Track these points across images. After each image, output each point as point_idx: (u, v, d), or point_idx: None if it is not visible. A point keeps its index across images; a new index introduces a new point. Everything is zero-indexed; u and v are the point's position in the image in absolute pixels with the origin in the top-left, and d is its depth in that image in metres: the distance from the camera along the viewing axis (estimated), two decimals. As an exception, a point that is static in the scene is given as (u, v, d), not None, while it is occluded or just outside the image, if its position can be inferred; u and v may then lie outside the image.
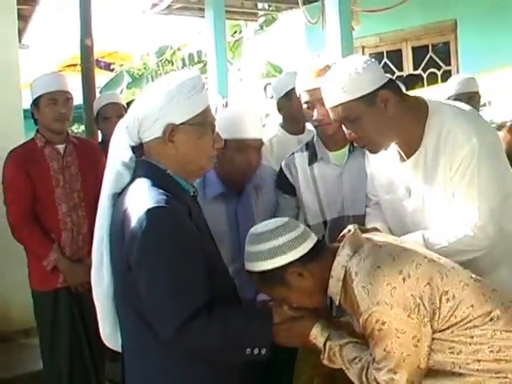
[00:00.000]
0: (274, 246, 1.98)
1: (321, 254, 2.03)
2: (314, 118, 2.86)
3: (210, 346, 1.93)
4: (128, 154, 2.07)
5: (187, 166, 2.07)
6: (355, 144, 2.79)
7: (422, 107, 2.32)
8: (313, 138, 3.08)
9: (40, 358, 3.85)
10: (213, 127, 2.10)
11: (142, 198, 1.95)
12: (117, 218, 2.01)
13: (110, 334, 2.17)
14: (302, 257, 1.97)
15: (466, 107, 2.39)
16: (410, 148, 2.33)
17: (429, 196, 2.32)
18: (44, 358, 3.80)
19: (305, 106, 2.92)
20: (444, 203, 2.28)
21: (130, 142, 2.07)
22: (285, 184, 3.05)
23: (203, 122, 2.05)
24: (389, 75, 2.44)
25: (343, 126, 2.34)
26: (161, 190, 1.97)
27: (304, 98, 2.90)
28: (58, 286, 3.69)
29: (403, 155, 2.37)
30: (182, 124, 2.02)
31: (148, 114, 2.03)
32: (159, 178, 2.02)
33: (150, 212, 1.89)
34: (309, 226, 2.96)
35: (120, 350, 2.18)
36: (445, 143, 2.22)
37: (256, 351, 1.96)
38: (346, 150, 2.97)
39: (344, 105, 2.26)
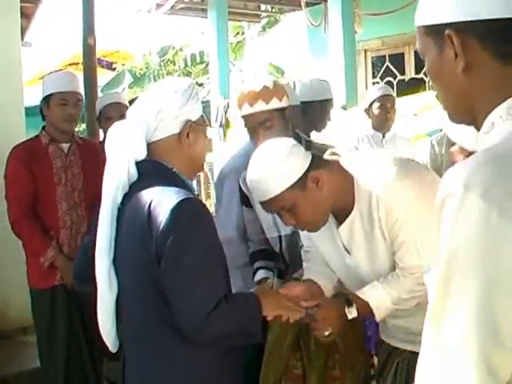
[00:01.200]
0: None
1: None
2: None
3: (228, 331, 2.00)
4: (144, 152, 2.09)
5: (195, 163, 2.18)
6: None
7: (346, 173, 2.29)
8: None
9: (38, 356, 3.85)
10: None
11: (166, 193, 1.98)
12: (134, 215, 2.00)
13: (109, 332, 2.17)
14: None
15: (391, 162, 2.33)
16: (343, 213, 2.31)
17: (370, 253, 2.32)
18: (41, 355, 3.80)
19: (247, 130, 2.95)
20: (386, 258, 2.30)
21: (145, 140, 2.09)
22: (243, 197, 3.10)
23: (205, 122, 2.20)
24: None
25: (281, 215, 2.30)
26: (176, 188, 2.01)
27: (245, 123, 2.93)
28: (55, 284, 3.70)
29: (336, 220, 2.35)
30: (194, 122, 2.13)
31: (169, 111, 2.08)
32: (167, 176, 2.07)
33: (181, 203, 1.93)
34: (267, 239, 3.04)
35: (115, 350, 2.19)
36: (377, 207, 2.22)
37: (249, 336, 2.06)
38: None
39: (278, 197, 2.20)
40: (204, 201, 12.05)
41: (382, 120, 4.88)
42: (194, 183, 12.25)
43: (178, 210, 1.91)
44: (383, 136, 4.93)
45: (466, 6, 1.13)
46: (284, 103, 2.90)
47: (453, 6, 1.15)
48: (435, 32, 1.19)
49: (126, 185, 2.05)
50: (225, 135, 9.91)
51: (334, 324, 2.28)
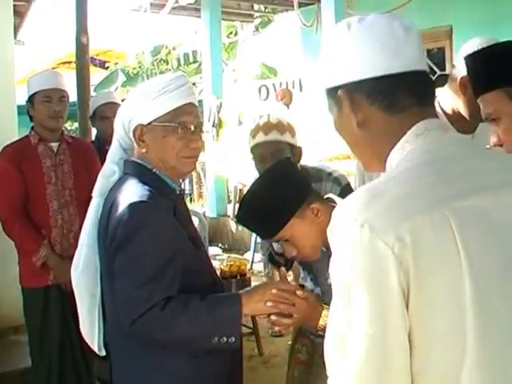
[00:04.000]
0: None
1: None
2: None
3: (168, 337, 1.94)
4: (118, 154, 2.16)
5: (161, 164, 2.10)
6: None
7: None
8: None
9: (29, 355, 3.84)
10: (186, 127, 2.09)
11: (127, 193, 2.00)
12: (104, 212, 2.07)
13: (87, 326, 2.20)
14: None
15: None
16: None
17: None
18: (33, 355, 3.79)
19: (257, 159, 2.99)
20: None
21: (122, 143, 2.16)
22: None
23: (171, 120, 2.06)
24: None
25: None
26: (146, 187, 2.01)
27: (256, 151, 2.98)
28: (49, 283, 3.69)
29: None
30: (149, 124, 2.07)
31: (124, 116, 2.11)
32: (145, 177, 2.07)
33: (131, 206, 1.94)
34: None
35: (95, 346, 2.20)
36: None
37: (223, 340, 1.95)
38: None
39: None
40: (196, 200, 12.04)
41: None
42: (187, 182, 12.24)
43: (126, 212, 1.94)
44: None
45: (351, 70, 1.33)
46: (294, 141, 3.00)
47: (341, 71, 1.35)
48: (333, 94, 1.38)
49: (107, 183, 2.14)
50: (217, 135, 9.91)
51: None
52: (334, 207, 2.05)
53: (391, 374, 1.14)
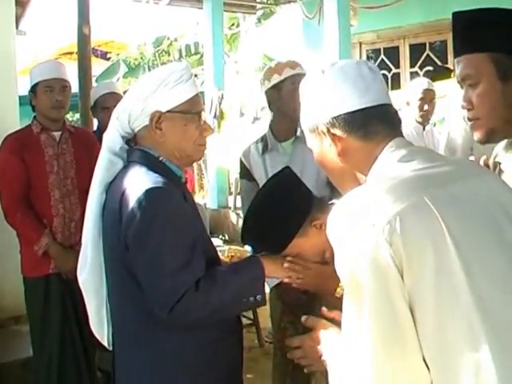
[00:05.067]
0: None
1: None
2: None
3: (206, 313, 1.98)
4: (118, 144, 2.13)
5: (176, 152, 2.11)
6: (297, 134, 3.32)
7: None
8: (265, 133, 3.49)
9: (30, 346, 3.85)
10: (201, 116, 2.14)
11: (139, 181, 1.99)
12: (111, 202, 2.04)
13: (96, 324, 2.20)
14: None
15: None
16: None
17: None
18: (34, 344, 3.81)
19: (287, 94, 3.26)
20: None
21: (121, 133, 2.13)
22: (244, 171, 3.47)
23: (189, 109, 2.10)
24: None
25: None
26: (157, 174, 2.01)
27: (287, 85, 3.27)
28: (50, 272, 3.70)
29: None
30: (168, 112, 2.07)
31: (135, 104, 2.09)
32: (152, 164, 2.07)
33: (148, 192, 1.93)
34: None
35: (105, 342, 2.21)
36: None
37: (252, 300, 2.04)
38: (291, 140, 3.41)
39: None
40: (197, 192, 12.04)
41: (424, 113, 5.07)
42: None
43: (143, 198, 1.92)
44: (423, 128, 5.13)
45: (329, 107, 1.56)
46: None
47: (320, 109, 1.58)
48: (314, 130, 1.61)
49: (108, 173, 2.11)
50: (219, 126, 9.90)
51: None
52: None
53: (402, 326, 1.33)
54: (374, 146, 1.54)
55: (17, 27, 7.05)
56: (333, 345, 1.68)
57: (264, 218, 2.12)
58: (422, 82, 5.23)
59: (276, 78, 3.30)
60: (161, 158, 2.10)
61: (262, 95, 3.51)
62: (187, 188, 2.26)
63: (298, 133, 3.33)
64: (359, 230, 1.35)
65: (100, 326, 2.20)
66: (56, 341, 3.71)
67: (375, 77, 1.60)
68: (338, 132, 1.56)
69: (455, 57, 1.88)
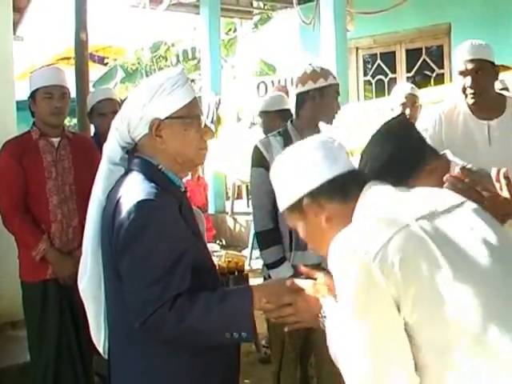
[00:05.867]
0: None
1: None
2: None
3: (178, 334, 1.93)
4: (118, 154, 2.12)
5: (178, 159, 2.10)
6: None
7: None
8: (286, 127, 3.65)
9: (27, 350, 3.85)
10: (200, 119, 2.13)
11: (133, 191, 1.98)
12: (108, 210, 2.05)
13: (95, 330, 2.20)
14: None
15: None
16: None
17: None
18: (31, 349, 3.80)
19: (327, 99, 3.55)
20: None
21: (121, 143, 2.12)
22: (261, 160, 3.53)
23: (188, 114, 2.09)
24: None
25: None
26: (152, 184, 2.00)
27: (324, 93, 3.56)
28: (47, 277, 3.70)
29: None
30: (167, 118, 2.06)
31: (132, 113, 2.08)
32: (151, 173, 2.06)
33: (138, 204, 1.93)
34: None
35: (101, 349, 2.20)
36: None
37: (236, 335, 1.95)
38: None
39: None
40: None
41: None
42: (184, 180, 12.22)
43: (133, 210, 1.92)
44: None
45: (309, 180, 1.74)
46: None
47: (301, 184, 1.75)
48: (297, 207, 1.77)
49: (108, 182, 2.11)
50: (216, 131, 9.91)
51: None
52: (450, 163, 2.16)
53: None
54: (353, 203, 1.71)
55: (14, 33, 7.04)
56: (331, 308, 1.84)
57: (379, 159, 2.10)
58: (405, 87, 5.27)
59: (310, 85, 3.54)
60: (160, 167, 2.09)
61: (259, 100, 3.60)
62: (187, 197, 2.24)
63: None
64: (354, 258, 1.52)
65: (98, 333, 2.20)
66: (53, 346, 3.70)
67: (340, 147, 1.82)
68: (321, 201, 1.73)
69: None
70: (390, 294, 1.49)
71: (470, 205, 1.72)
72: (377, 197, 1.69)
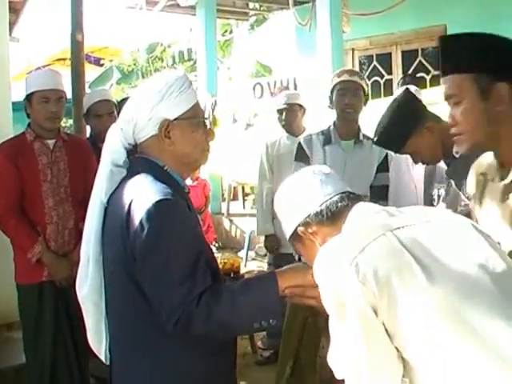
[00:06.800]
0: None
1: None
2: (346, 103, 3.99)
3: (210, 329, 1.93)
4: (123, 156, 2.10)
5: (185, 159, 2.12)
6: (360, 138, 4.05)
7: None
8: (329, 127, 4.09)
9: (23, 352, 3.84)
10: (205, 121, 2.17)
11: (147, 192, 1.97)
12: (116, 213, 2.02)
13: (94, 338, 2.18)
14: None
15: None
16: None
17: None
18: (27, 351, 3.80)
19: (338, 92, 4.00)
20: None
21: (124, 144, 2.11)
22: (303, 155, 4.06)
23: (195, 116, 2.12)
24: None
25: None
26: (164, 185, 2.00)
27: (341, 87, 4.00)
28: (43, 280, 3.69)
29: None
30: (175, 119, 2.07)
31: (140, 114, 2.07)
32: (158, 174, 2.05)
33: (157, 204, 1.92)
34: None
35: (102, 356, 2.18)
36: None
37: (264, 323, 1.96)
38: (352, 141, 4.06)
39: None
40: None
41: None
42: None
43: (153, 211, 1.91)
44: None
45: (301, 210, 1.88)
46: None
47: (293, 215, 1.90)
48: (295, 236, 1.90)
49: (110, 185, 2.08)
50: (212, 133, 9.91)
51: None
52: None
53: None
54: (341, 224, 1.80)
55: (10, 34, 7.04)
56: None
57: (386, 118, 3.02)
58: (400, 91, 5.33)
59: (334, 81, 4.03)
60: (166, 168, 2.09)
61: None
62: (190, 198, 2.23)
63: (361, 137, 4.07)
64: (334, 268, 1.60)
65: (98, 341, 2.17)
66: (49, 348, 3.70)
67: (331, 173, 1.95)
68: (314, 227, 1.85)
69: (442, 77, 2.00)
70: (366, 300, 1.53)
71: (452, 216, 1.78)
72: (360, 212, 1.79)
